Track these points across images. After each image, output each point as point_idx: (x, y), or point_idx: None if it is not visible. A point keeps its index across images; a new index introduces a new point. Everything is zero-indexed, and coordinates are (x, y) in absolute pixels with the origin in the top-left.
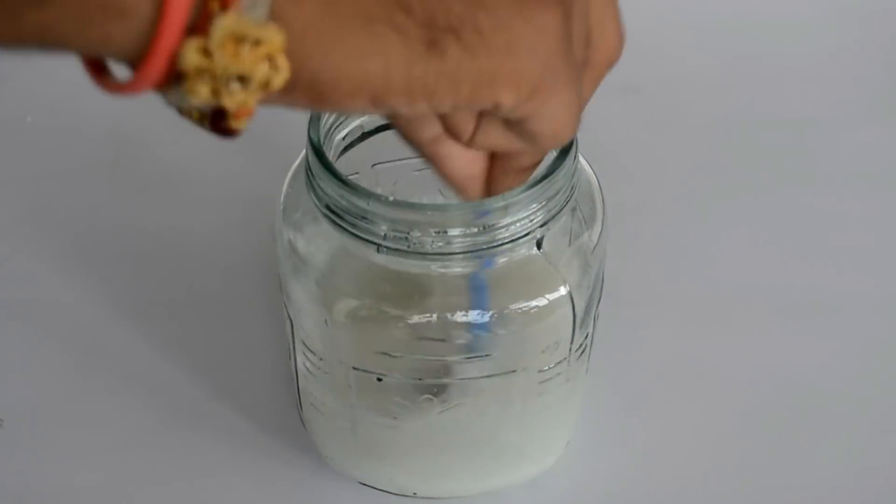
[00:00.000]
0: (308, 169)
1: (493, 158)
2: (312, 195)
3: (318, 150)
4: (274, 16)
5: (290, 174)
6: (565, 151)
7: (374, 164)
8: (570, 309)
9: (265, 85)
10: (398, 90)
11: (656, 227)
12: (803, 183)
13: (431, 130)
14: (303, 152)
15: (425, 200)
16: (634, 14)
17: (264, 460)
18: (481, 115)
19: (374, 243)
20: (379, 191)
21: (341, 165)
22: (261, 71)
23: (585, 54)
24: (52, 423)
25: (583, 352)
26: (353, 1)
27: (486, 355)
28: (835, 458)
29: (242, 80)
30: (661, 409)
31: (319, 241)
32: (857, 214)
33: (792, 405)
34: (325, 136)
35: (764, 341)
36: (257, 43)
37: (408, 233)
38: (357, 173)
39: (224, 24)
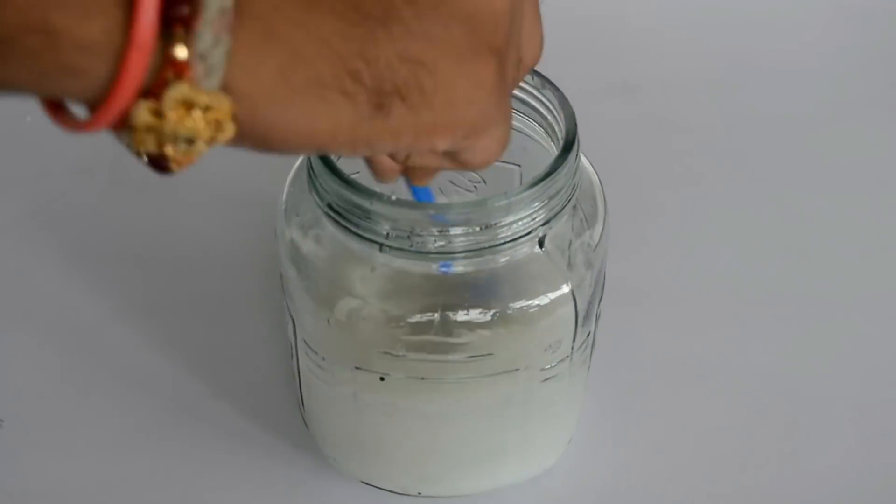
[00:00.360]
0: (310, 168)
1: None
2: (314, 195)
3: None
4: (226, 85)
5: (291, 174)
6: (567, 150)
7: None
8: (573, 307)
9: (210, 141)
10: (343, 143)
11: (657, 225)
12: (803, 183)
13: None
14: None
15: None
16: (635, 14)
17: (265, 460)
18: None
19: (377, 242)
20: (379, 190)
21: (342, 164)
22: (207, 132)
23: (518, 69)
24: (52, 423)
25: (585, 350)
26: (307, 69)
27: (489, 354)
28: (835, 457)
29: (189, 140)
30: (663, 408)
31: (321, 241)
32: (857, 214)
33: (792, 404)
34: None
35: (764, 341)
36: (207, 109)
37: (410, 232)
38: (358, 172)
39: (176, 93)
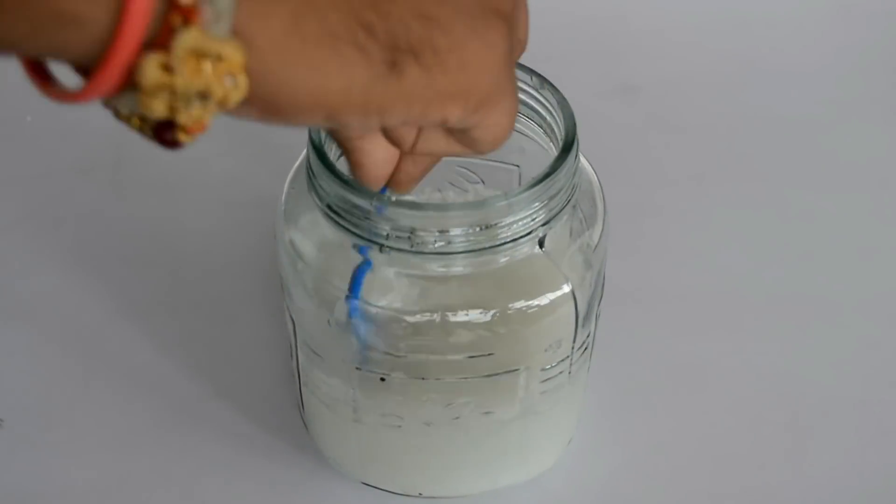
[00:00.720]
0: (309, 169)
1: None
2: (314, 195)
3: (319, 150)
4: (236, 30)
5: (291, 174)
6: (566, 150)
7: None
8: (573, 307)
9: (223, 101)
10: (354, 107)
11: (657, 226)
12: (803, 183)
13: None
14: (304, 152)
15: (425, 197)
16: (635, 14)
17: (265, 460)
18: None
19: (377, 243)
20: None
21: (342, 165)
22: (221, 88)
23: (517, 52)
24: (52, 423)
25: (585, 350)
26: (318, 19)
27: (489, 354)
28: (835, 457)
29: (202, 96)
30: (663, 408)
31: (321, 241)
32: (856, 214)
33: (792, 405)
34: (326, 136)
35: (765, 341)
36: (219, 59)
37: (410, 232)
38: None
39: (187, 40)
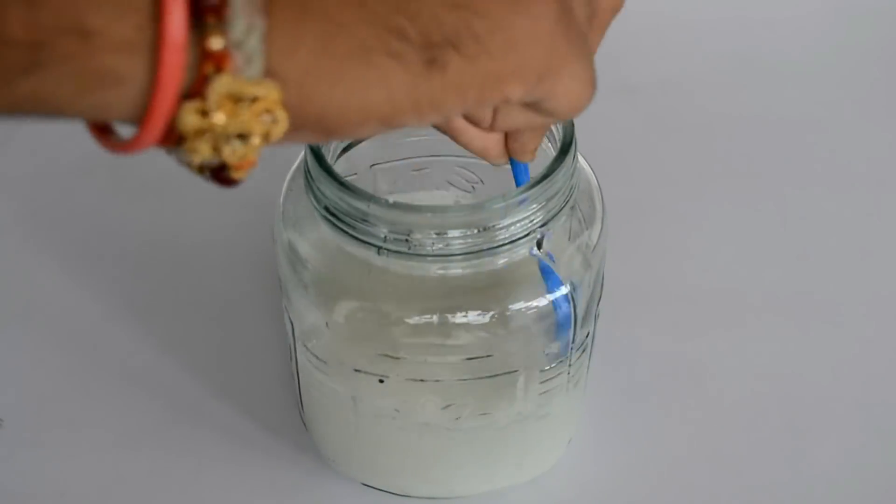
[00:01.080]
0: (307, 171)
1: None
2: (311, 197)
3: (316, 153)
4: (269, 70)
5: (289, 175)
6: (564, 151)
7: (373, 165)
8: (571, 308)
9: (265, 137)
10: (406, 111)
11: (656, 226)
12: (803, 183)
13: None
14: (301, 154)
15: (424, 200)
16: (635, 14)
17: (265, 460)
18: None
19: (375, 245)
20: (377, 191)
21: (340, 166)
22: (260, 126)
23: (589, 9)
24: (52, 423)
25: (584, 351)
26: (347, 36)
27: (488, 356)
28: (834, 457)
29: (242, 136)
30: (663, 408)
31: (319, 243)
32: (856, 214)
33: (792, 405)
34: None
35: (764, 341)
36: (254, 100)
37: (408, 235)
38: (355, 174)
39: (220, 86)
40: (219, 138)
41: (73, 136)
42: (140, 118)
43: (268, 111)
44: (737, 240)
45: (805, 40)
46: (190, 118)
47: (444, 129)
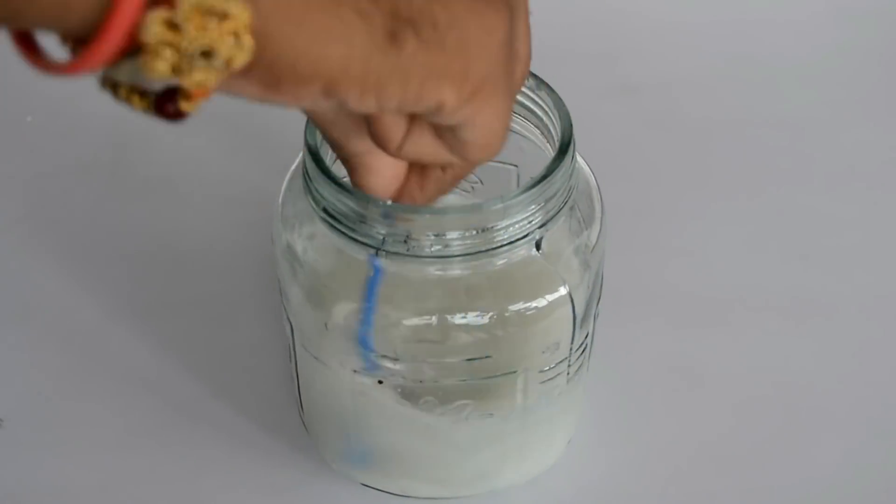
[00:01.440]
0: (305, 172)
1: (411, 174)
2: (310, 199)
3: (314, 154)
4: None
5: (287, 176)
6: (563, 152)
7: None
8: (570, 309)
9: (228, 63)
10: (353, 80)
11: (655, 226)
12: (802, 183)
13: (362, 144)
14: (300, 155)
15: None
16: (635, 14)
17: (265, 461)
18: (413, 121)
19: (373, 247)
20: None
21: (338, 168)
22: (227, 47)
23: (513, 67)
24: (52, 423)
25: (583, 351)
26: None
27: (487, 357)
28: (833, 458)
29: (206, 56)
30: (663, 408)
31: (317, 244)
32: (855, 214)
33: (791, 405)
34: (322, 140)
35: (763, 341)
36: (224, 17)
37: (406, 236)
38: None
39: None
40: (183, 54)
41: (73, 136)
42: (98, 25)
43: (235, 34)
44: (736, 240)
45: (805, 42)
46: (156, 28)
47: (354, 165)
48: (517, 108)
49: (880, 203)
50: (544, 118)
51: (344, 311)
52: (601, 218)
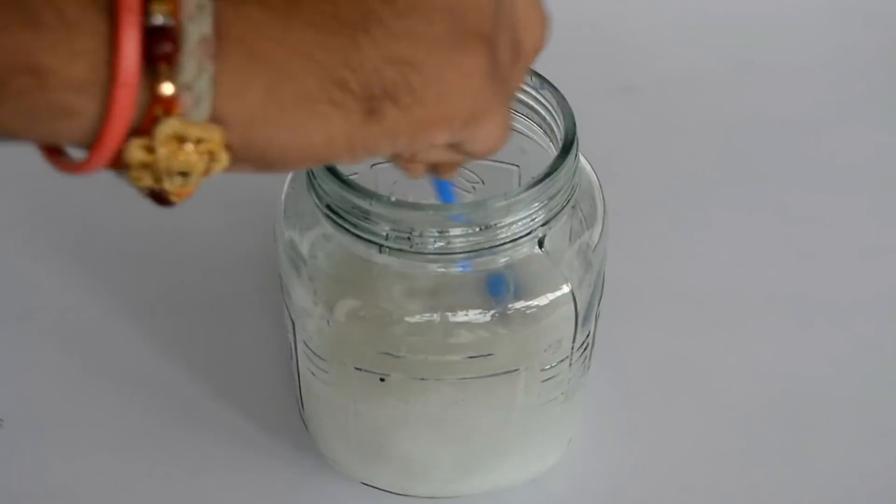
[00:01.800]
0: (309, 169)
1: None
2: (313, 195)
3: None
4: (215, 113)
5: (290, 174)
6: (566, 151)
7: (374, 165)
8: (572, 307)
9: (205, 172)
10: (342, 153)
11: (657, 226)
12: (803, 183)
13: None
14: None
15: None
16: (635, 14)
17: (265, 460)
18: None
19: (376, 244)
20: (378, 191)
21: (341, 166)
22: (201, 165)
23: (514, 54)
24: (52, 423)
25: (585, 350)
26: (293, 85)
27: (489, 354)
28: (834, 458)
29: (183, 173)
30: (663, 408)
31: (320, 242)
32: (856, 214)
33: (793, 405)
34: None
35: (765, 341)
36: (199, 141)
37: (409, 233)
38: (356, 174)
39: (167, 128)
40: (161, 172)
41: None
42: (89, 147)
43: (210, 152)
44: (737, 240)
45: (805, 40)
46: (136, 153)
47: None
48: (520, 107)
49: (880, 203)
50: (547, 117)
51: (346, 308)
52: (603, 217)
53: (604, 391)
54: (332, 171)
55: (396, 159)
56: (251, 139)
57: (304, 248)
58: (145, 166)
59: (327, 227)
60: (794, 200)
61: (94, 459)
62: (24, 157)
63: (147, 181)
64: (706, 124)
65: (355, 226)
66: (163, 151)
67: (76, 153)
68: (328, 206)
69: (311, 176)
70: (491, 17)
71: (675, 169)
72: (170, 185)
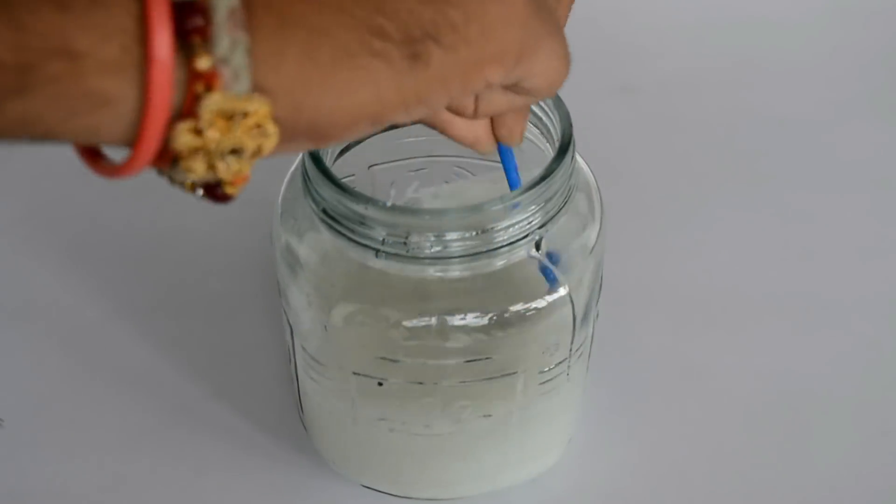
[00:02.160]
0: (305, 174)
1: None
2: (309, 200)
3: (314, 156)
4: (257, 84)
5: (287, 177)
6: (563, 152)
7: (371, 166)
8: (570, 309)
9: (258, 151)
10: (394, 107)
11: (655, 226)
12: (803, 182)
13: (442, 115)
14: (300, 156)
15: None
16: (635, 14)
17: (264, 462)
18: None
19: (373, 248)
20: (375, 193)
21: (338, 168)
22: (252, 141)
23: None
24: (52, 423)
25: (583, 352)
26: (330, 42)
27: (487, 358)
28: (835, 458)
29: (235, 151)
30: (662, 408)
31: (317, 246)
32: (856, 214)
33: (792, 405)
34: None
35: (764, 341)
36: (245, 115)
37: (406, 237)
38: (353, 175)
39: (212, 104)
40: (213, 155)
41: None
42: (132, 140)
43: (258, 125)
44: (737, 240)
45: (805, 40)
46: (184, 137)
47: (431, 123)
48: None
49: (880, 203)
50: (544, 118)
51: (343, 312)
52: (601, 218)
53: (604, 391)
54: (328, 176)
55: (458, 113)
56: (297, 107)
57: (301, 253)
58: (195, 151)
59: (323, 231)
60: (795, 200)
61: (94, 459)
62: (25, 157)
63: (200, 169)
64: (706, 124)
65: (352, 230)
66: (211, 131)
67: (117, 157)
68: (324, 211)
69: (307, 181)
70: None
71: (675, 169)
72: (224, 171)
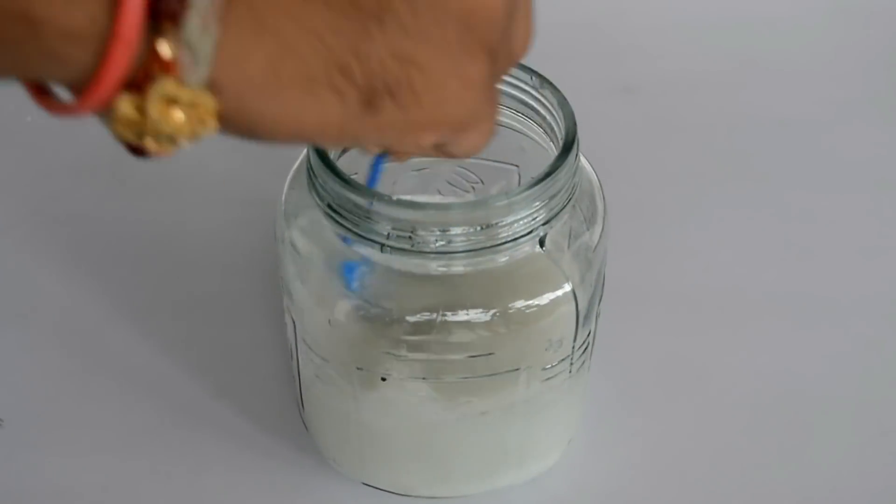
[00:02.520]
0: (310, 168)
1: None
2: (314, 194)
3: (319, 150)
4: (213, 78)
5: (291, 174)
6: (567, 150)
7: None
8: (573, 307)
9: (191, 138)
10: (331, 138)
11: (657, 225)
12: (803, 182)
13: None
14: (304, 152)
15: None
16: (635, 14)
17: (265, 461)
18: None
19: (378, 242)
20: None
21: (341, 165)
22: (188, 130)
23: (507, 64)
24: (52, 423)
25: (585, 350)
26: (297, 62)
27: (489, 354)
28: (835, 458)
29: (169, 137)
30: (663, 408)
31: (321, 241)
32: (856, 214)
33: (793, 405)
34: None
35: (765, 341)
36: (191, 106)
37: (411, 232)
38: (356, 173)
39: (161, 88)
40: (146, 133)
41: (73, 136)
42: (79, 93)
43: (200, 119)
44: (737, 239)
45: (805, 40)
46: (126, 109)
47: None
48: (520, 107)
49: (880, 203)
50: (548, 116)
51: (347, 307)
52: (603, 217)
53: (604, 391)
54: (334, 171)
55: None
56: (244, 109)
57: (305, 248)
58: (131, 124)
59: (328, 226)
60: (794, 200)
61: (94, 459)
62: (25, 157)
63: (129, 137)
64: (706, 124)
65: (357, 225)
66: (153, 113)
67: (65, 94)
68: (329, 206)
69: (311, 175)
70: (500, 32)
71: (676, 169)
72: (152, 145)
